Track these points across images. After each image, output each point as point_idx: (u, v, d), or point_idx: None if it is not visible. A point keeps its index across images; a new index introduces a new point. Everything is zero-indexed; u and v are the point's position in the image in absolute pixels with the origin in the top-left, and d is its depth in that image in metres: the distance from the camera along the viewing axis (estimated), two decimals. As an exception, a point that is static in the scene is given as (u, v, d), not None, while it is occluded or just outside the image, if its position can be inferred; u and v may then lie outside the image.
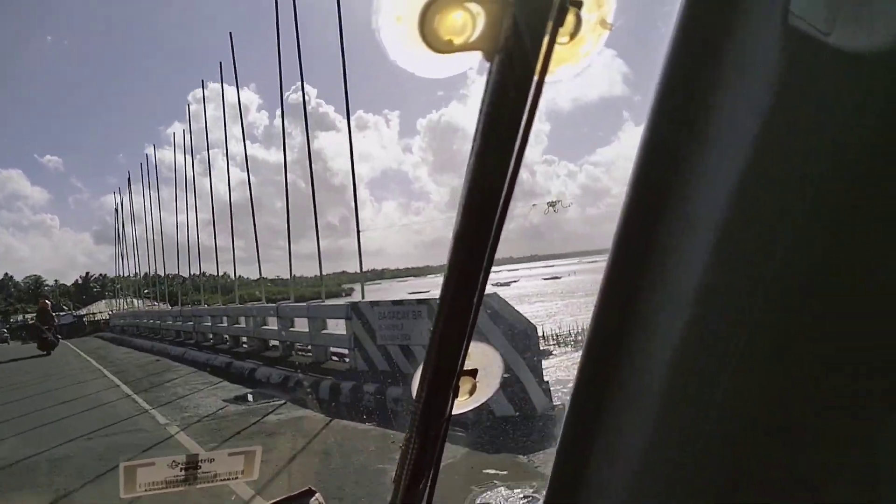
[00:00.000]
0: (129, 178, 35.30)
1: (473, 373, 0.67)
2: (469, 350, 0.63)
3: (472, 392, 0.67)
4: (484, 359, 0.68)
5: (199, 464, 0.79)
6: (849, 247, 0.49)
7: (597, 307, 0.63)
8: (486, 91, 0.49)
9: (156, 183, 32.33)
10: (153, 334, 28.67)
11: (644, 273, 0.59)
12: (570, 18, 0.50)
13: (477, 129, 0.51)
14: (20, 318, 57.77)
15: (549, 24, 0.48)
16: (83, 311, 55.77)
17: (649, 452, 0.61)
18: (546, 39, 0.48)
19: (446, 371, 0.60)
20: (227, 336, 19.56)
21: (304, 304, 15.08)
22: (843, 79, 0.43)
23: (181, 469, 0.79)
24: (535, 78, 0.50)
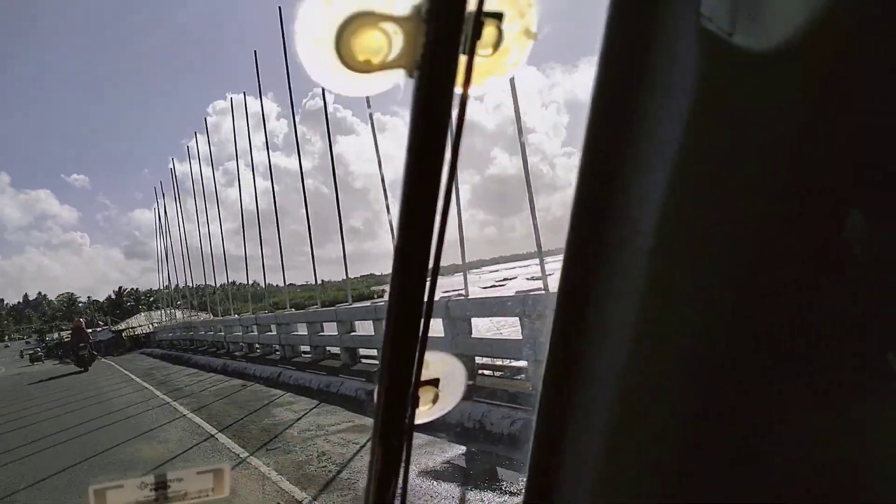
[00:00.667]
0: (172, 189, 35.36)
1: (435, 382, 0.69)
2: (428, 360, 0.64)
3: (435, 401, 0.69)
4: (445, 367, 0.69)
5: (169, 484, 0.82)
6: (780, 239, 0.51)
7: (556, 309, 0.65)
8: (411, 108, 0.51)
9: (182, 194, 32.39)
10: (216, 349, 24.11)
11: (595, 274, 0.62)
12: (489, 31, 0.52)
13: (407, 146, 0.53)
14: (55, 336, 58.43)
15: (466, 38, 0.50)
16: (122, 326, 55.28)
17: (619, 450, 0.64)
18: (465, 53, 0.50)
19: (401, 382, 0.62)
20: (334, 349, 14.55)
21: (519, 295, 9.25)
22: (746, 78, 0.45)
23: (151, 490, 0.81)
24: (460, 91, 0.52)
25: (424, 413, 0.69)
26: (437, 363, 0.68)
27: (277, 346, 17.94)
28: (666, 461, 0.61)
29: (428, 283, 0.59)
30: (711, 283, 0.54)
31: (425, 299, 0.59)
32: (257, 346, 20.07)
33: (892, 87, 0.45)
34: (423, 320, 0.61)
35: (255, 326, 20.13)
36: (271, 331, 18.66)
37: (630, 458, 0.63)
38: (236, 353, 21.19)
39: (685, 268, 0.54)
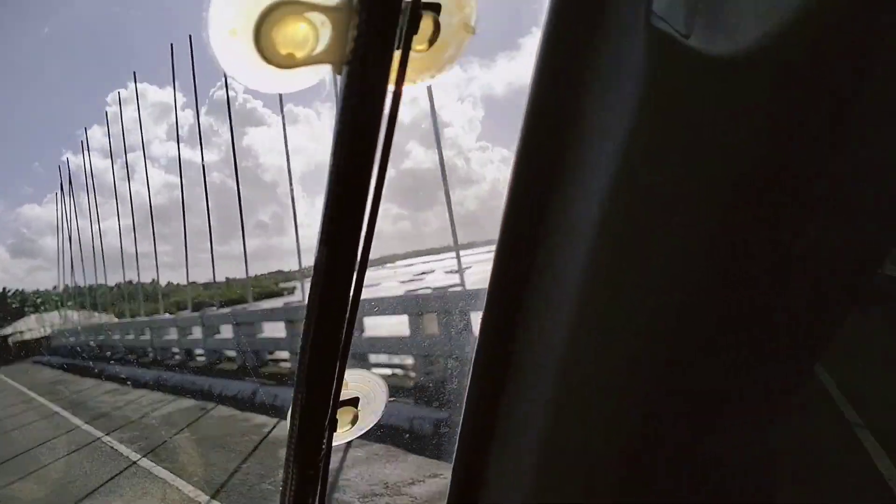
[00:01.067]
0: (68, 183, 33.02)
1: (355, 401, 0.64)
2: (346, 379, 0.60)
3: (354, 421, 0.65)
4: (365, 386, 0.65)
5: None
6: (727, 244, 0.51)
7: (487, 304, 0.63)
8: (339, 106, 0.47)
9: (78, 189, 30.49)
10: (138, 356, 18.63)
11: (530, 270, 0.61)
12: (426, 24, 0.48)
13: (333, 148, 0.48)
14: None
15: (401, 32, 0.46)
16: (8, 331, 50.35)
17: (544, 449, 0.63)
18: (399, 48, 0.46)
19: (319, 404, 0.58)
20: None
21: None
22: (704, 81, 0.44)
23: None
24: (392, 88, 0.48)
25: (342, 435, 0.64)
26: (356, 382, 0.64)
27: (234, 353, 13.52)
28: (606, 461, 0.61)
29: (350, 299, 0.55)
30: (656, 283, 0.53)
31: (347, 315, 0.55)
32: (200, 352, 15.56)
33: (847, 95, 0.45)
34: (343, 338, 0.56)
35: (198, 328, 15.61)
36: (221, 333, 14.51)
37: (568, 457, 0.62)
38: (169, 363, 16.34)
39: (630, 267, 0.53)
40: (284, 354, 12.09)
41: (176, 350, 16.67)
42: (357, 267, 0.53)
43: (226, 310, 15.58)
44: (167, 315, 19.72)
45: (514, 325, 0.63)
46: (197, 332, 15.60)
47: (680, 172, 0.48)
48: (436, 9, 0.48)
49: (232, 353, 13.71)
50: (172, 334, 17.14)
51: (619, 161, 0.50)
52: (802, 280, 0.56)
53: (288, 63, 0.45)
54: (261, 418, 8.71)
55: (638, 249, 0.52)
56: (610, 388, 0.58)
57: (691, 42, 0.42)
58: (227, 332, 14.17)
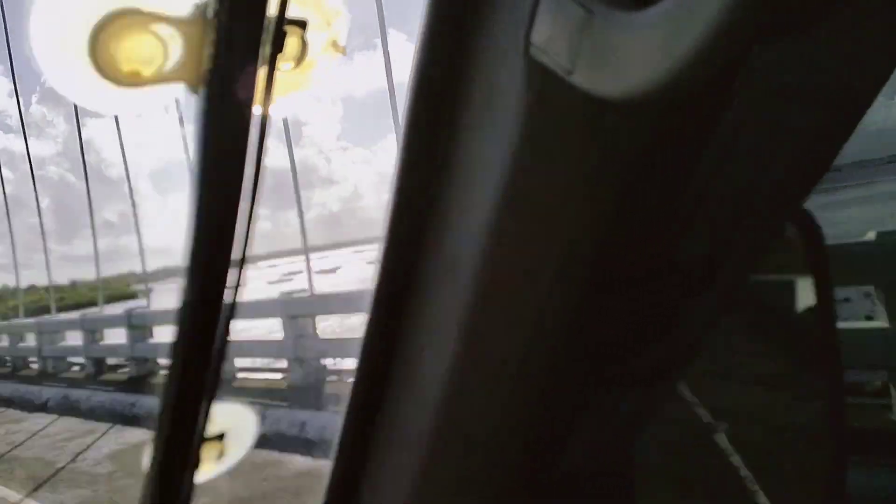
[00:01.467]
0: None
1: (220, 437, 0.59)
2: (213, 413, 0.55)
3: (220, 456, 0.60)
4: (231, 421, 0.60)
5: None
6: (607, 262, 0.49)
7: (372, 306, 0.61)
8: (198, 129, 0.41)
9: None
10: (15, 368, 14.55)
11: (415, 275, 0.57)
12: (292, 42, 0.43)
13: (197, 176, 0.43)
14: None
15: (264, 50, 0.41)
16: None
17: (426, 452, 0.61)
18: (263, 66, 0.41)
19: (181, 444, 0.53)
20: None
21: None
22: (587, 121, 0.42)
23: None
24: (259, 108, 0.43)
25: (208, 471, 0.59)
26: (221, 416, 0.59)
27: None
28: (485, 467, 0.60)
29: (219, 335, 0.50)
30: (538, 294, 0.51)
31: (215, 349, 0.50)
32: (115, 362, 12.39)
33: (721, 152, 0.45)
34: (212, 373, 0.51)
35: (114, 330, 12.14)
36: (154, 337, 11.42)
37: (448, 466, 0.61)
38: (67, 375, 12.96)
39: (513, 278, 0.51)
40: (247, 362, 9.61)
41: (84, 359, 12.92)
42: (227, 307, 0.48)
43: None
44: (62, 316, 15.67)
45: (399, 326, 0.60)
46: (116, 336, 12.05)
47: (556, 195, 0.46)
48: (301, 25, 0.43)
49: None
50: (72, 338, 13.21)
51: (492, 204, 0.48)
52: (663, 302, 0.56)
53: (132, 81, 0.39)
54: (288, 458, 5.33)
55: (517, 270, 0.50)
56: (492, 394, 0.56)
57: (574, 79, 0.39)
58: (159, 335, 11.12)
